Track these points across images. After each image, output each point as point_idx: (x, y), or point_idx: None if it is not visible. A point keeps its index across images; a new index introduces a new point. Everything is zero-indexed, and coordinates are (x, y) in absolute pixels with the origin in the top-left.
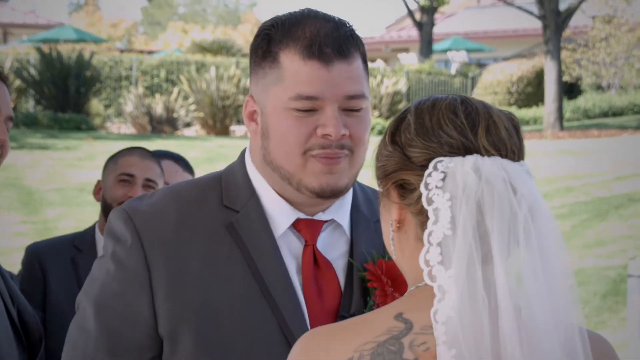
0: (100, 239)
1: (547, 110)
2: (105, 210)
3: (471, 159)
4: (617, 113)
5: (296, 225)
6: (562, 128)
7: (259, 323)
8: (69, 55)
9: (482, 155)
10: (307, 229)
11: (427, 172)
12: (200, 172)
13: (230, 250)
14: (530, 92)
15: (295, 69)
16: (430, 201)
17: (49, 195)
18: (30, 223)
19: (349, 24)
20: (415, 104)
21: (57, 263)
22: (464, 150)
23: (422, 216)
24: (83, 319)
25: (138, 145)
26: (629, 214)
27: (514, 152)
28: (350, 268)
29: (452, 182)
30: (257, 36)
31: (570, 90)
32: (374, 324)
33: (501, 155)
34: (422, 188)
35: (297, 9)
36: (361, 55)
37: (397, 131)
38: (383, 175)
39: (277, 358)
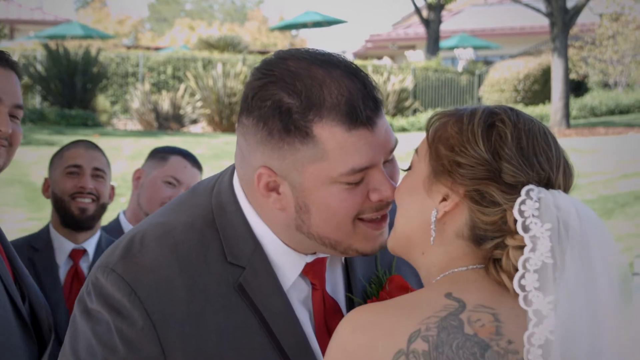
0: (55, 236)
1: (553, 108)
2: (57, 205)
3: (563, 195)
4: (624, 111)
5: (303, 270)
6: (568, 126)
7: None
8: (75, 51)
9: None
10: (314, 272)
11: (520, 198)
12: (207, 168)
13: (244, 319)
14: (537, 89)
15: (339, 142)
16: (527, 229)
17: None
18: (37, 220)
19: (359, 67)
20: (505, 113)
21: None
22: (546, 183)
23: (493, 227)
24: None
25: (85, 139)
26: (634, 212)
27: (568, 191)
28: (351, 301)
29: (547, 212)
30: (262, 105)
31: (577, 88)
32: (428, 301)
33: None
34: (516, 214)
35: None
36: None
37: (488, 136)
38: (466, 176)
39: None
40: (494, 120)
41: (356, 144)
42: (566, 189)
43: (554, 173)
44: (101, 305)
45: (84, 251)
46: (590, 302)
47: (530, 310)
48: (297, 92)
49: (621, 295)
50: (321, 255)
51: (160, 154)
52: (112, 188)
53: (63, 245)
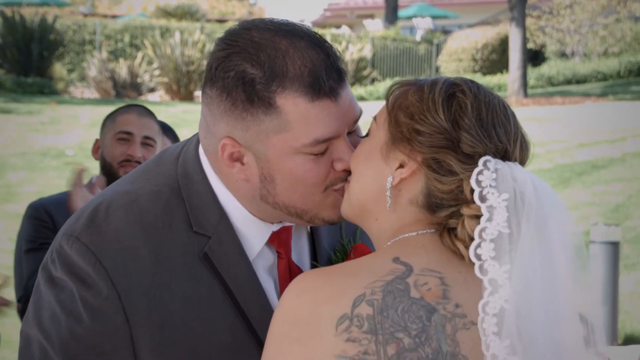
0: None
1: (511, 77)
2: (105, 169)
3: (520, 168)
4: (580, 80)
5: (268, 239)
6: (526, 95)
7: None
8: (32, 18)
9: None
10: (279, 241)
11: (477, 169)
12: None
13: (209, 288)
14: (495, 59)
15: (302, 113)
16: (484, 198)
17: (11, 160)
18: None
19: (323, 38)
20: (465, 84)
21: (64, 215)
22: (502, 156)
23: (449, 196)
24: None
25: (136, 103)
26: (591, 181)
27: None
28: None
29: (504, 183)
30: (225, 75)
31: (534, 57)
32: (374, 266)
33: None
34: (473, 184)
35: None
36: None
37: (448, 105)
38: (424, 143)
39: None
40: (454, 91)
41: (319, 114)
42: (522, 163)
43: (511, 146)
44: (65, 274)
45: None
46: (546, 272)
47: (486, 279)
48: (260, 63)
49: (576, 265)
50: (287, 224)
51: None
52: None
53: None
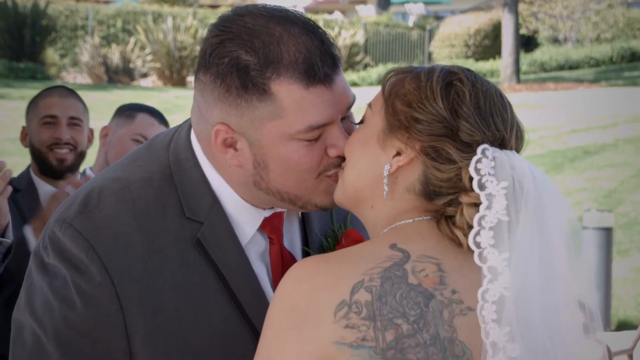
0: (36, 178)
1: (504, 63)
2: (34, 155)
3: (518, 157)
4: (573, 66)
5: (260, 225)
6: (518, 81)
7: (241, 351)
8: (24, 4)
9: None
10: (271, 226)
11: (476, 157)
12: None
13: (201, 275)
14: (488, 45)
15: (296, 99)
16: (483, 186)
17: (3, 145)
18: None
19: (317, 24)
20: (463, 73)
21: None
22: (499, 144)
23: (447, 184)
24: (43, 355)
25: (59, 85)
26: (584, 166)
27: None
28: (307, 255)
29: (502, 171)
30: (219, 61)
31: (527, 43)
32: (372, 252)
33: None
34: (472, 172)
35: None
36: None
37: (447, 94)
38: (423, 132)
39: None
40: (452, 79)
41: (314, 101)
42: (517, 151)
43: (507, 134)
44: (58, 260)
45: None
46: (544, 260)
47: (485, 266)
48: (254, 49)
49: (572, 252)
50: (278, 210)
51: (127, 112)
52: (91, 131)
53: (45, 188)
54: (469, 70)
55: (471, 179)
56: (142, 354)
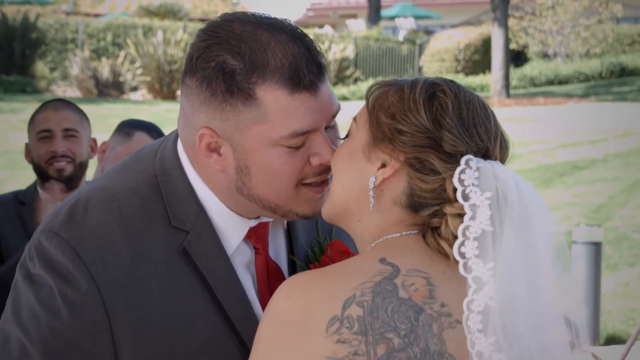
0: (42, 193)
1: (493, 78)
2: (36, 170)
3: (502, 167)
4: (562, 81)
5: (246, 234)
6: (508, 96)
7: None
8: (14, 17)
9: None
10: (257, 236)
11: (460, 168)
12: None
13: (188, 284)
14: (477, 59)
15: (281, 105)
16: (467, 197)
17: None
18: None
19: (304, 33)
20: (446, 84)
21: (5, 216)
22: (483, 154)
23: (431, 195)
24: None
25: (56, 98)
26: (573, 181)
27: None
28: (293, 264)
29: (486, 182)
30: (205, 65)
31: (516, 58)
32: (362, 267)
33: None
34: (456, 182)
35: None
36: None
37: (430, 105)
38: (407, 143)
39: None
40: (435, 90)
41: (298, 107)
42: (502, 161)
43: (491, 144)
44: (44, 270)
45: None
46: (529, 270)
47: (470, 277)
48: (241, 55)
49: (558, 265)
50: (264, 220)
51: (126, 129)
52: (94, 141)
53: (50, 202)
54: (452, 81)
55: (455, 189)
56: None
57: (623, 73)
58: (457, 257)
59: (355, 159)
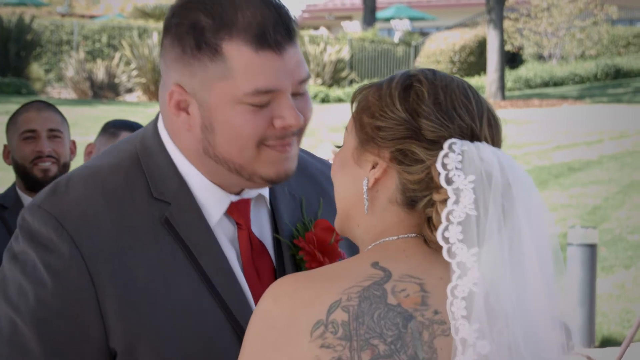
0: (23, 195)
1: (489, 79)
2: (19, 171)
3: (487, 148)
4: (558, 83)
5: (227, 209)
6: (503, 97)
7: (213, 328)
8: (9, 18)
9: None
10: (238, 212)
11: (442, 152)
12: None
13: (171, 252)
14: (473, 61)
15: (246, 61)
16: (450, 181)
17: None
18: None
19: (280, 2)
20: (423, 73)
21: None
22: (471, 136)
23: (421, 185)
24: (20, 338)
25: (35, 100)
26: (568, 183)
27: (499, 143)
28: (278, 244)
29: (470, 165)
30: (179, 23)
31: (512, 59)
32: (353, 271)
33: (495, 147)
34: (439, 167)
35: None
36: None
37: (406, 97)
38: (386, 137)
39: (235, 359)
40: (411, 82)
41: (262, 65)
42: (494, 140)
43: (477, 125)
44: (27, 244)
45: None
46: (514, 255)
47: (454, 262)
48: (212, 13)
49: (547, 248)
50: (245, 197)
51: (111, 130)
52: (74, 143)
53: None
54: (430, 70)
55: (440, 175)
56: (116, 329)
57: (618, 75)
58: (441, 242)
59: (348, 166)
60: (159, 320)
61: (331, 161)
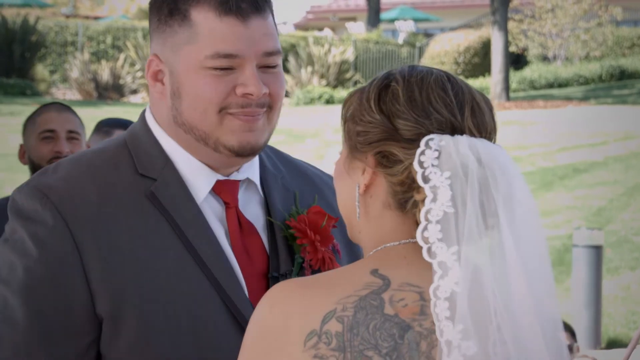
0: None
1: (493, 80)
2: (35, 170)
3: (465, 140)
4: (562, 84)
5: (214, 188)
6: (508, 99)
7: (198, 294)
8: (13, 20)
9: (467, 136)
10: (226, 191)
11: (419, 150)
12: None
13: (156, 223)
14: (477, 62)
15: (210, 26)
16: (427, 179)
17: None
18: None
19: None
20: (400, 72)
21: (3, 222)
22: (451, 129)
23: (404, 186)
24: (9, 311)
25: (54, 102)
26: (573, 184)
27: (491, 133)
28: (270, 227)
29: (447, 160)
30: None
31: (516, 61)
32: (351, 278)
33: (482, 137)
34: (416, 165)
35: None
36: (271, 11)
37: (381, 98)
38: (365, 142)
39: (221, 325)
40: (388, 82)
41: (225, 30)
42: (481, 130)
43: (457, 117)
44: (15, 221)
45: None
46: (496, 249)
47: (435, 262)
48: None
49: (534, 242)
50: (232, 178)
51: (104, 128)
52: (88, 146)
53: None
54: (410, 66)
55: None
56: (101, 294)
57: (623, 76)
58: (421, 243)
59: (342, 174)
60: (143, 285)
61: None
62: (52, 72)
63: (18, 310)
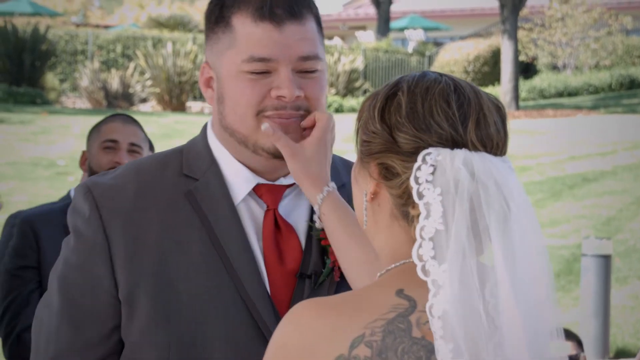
0: None
1: (503, 89)
2: None
3: (461, 155)
4: (572, 93)
5: (257, 191)
6: (517, 107)
7: (215, 286)
8: (24, 28)
9: (469, 149)
10: (268, 194)
11: (416, 165)
12: (156, 147)
13: (188, 218)
14: (487, 71)
15: (247, 31)
16: (421, 195)
17: (2, 169)
18: None
19: None
20: (408, 80)
21: (50, 230)
22: (452, 143)
23: (402, 199)
24: (48, 295)
25: (122, 113)
26: (582, 193)
27: (498, 146)
28: (311, 232)
29: (442, 176)
30: (210, 2)
31: (526, 69)
32: (376, 300)
33: (486, 151)
34: (412, 182)
35: None
36: (315, 17)
37: (386, 108)
38: (367, 152)
39: (234, 321)
40: (396, 90)
41: (260, 35)
42: (488, 142)
43: (458, 130)
44: (70, 215)
45: None
46: (481, 268)
47: (429, 280)
48: None
49: (532, 257)
50: (278, 183)
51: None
52: None
53: None
54: (422, 73)
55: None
56: (121, 280)
57: (633, 85)
58: (416, 260)
59: (354, 180)
60: (159, 274)
61: None
62: (62, 81)
63: (54, 297)
